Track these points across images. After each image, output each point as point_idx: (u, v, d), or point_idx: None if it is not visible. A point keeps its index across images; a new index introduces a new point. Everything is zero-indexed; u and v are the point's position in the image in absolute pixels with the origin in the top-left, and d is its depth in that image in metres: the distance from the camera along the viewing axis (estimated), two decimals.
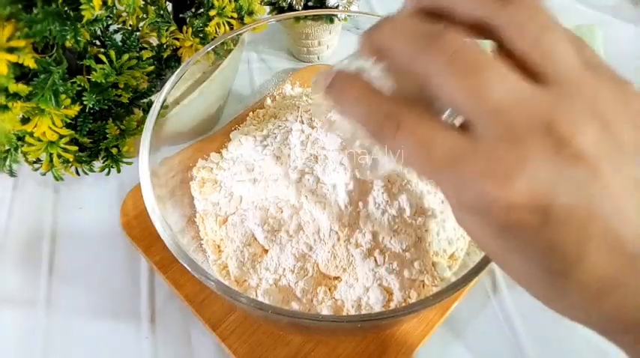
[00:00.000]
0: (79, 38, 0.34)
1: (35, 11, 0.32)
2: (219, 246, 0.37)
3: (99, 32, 0.39)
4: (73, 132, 0.37)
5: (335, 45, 0.59)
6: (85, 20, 0.33)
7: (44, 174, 0.40)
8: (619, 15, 0.67)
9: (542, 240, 0.16)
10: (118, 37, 0.40)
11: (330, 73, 0.20)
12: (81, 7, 0.33)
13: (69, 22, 0.33)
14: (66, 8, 0.33)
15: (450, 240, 0.36)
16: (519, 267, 0.18)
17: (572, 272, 0.16)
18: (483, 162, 0.16)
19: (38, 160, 0.40)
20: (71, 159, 0.38)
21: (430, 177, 0.17)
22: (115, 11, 0.37)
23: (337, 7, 0.52)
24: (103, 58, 0.37)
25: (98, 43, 0.40)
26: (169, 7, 0.44)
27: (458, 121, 0.18)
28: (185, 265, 0.28)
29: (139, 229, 0.43)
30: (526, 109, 0.16)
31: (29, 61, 0.32)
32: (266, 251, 0.36)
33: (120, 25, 0.40)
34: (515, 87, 0.16)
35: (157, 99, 0.35)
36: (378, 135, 0.18)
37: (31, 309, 0.40)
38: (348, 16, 0.53)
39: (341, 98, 0.20)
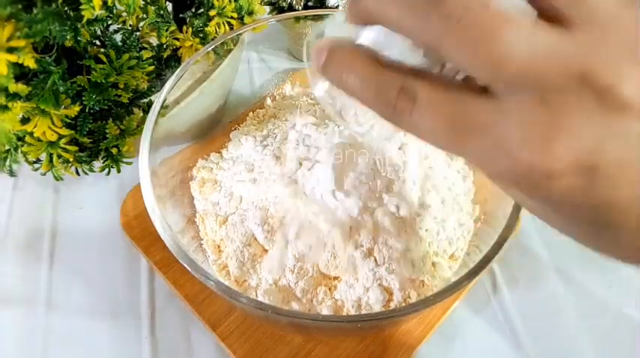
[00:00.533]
0: (79, 38, 0.34)
1: (35, 11, 0.32)
2: (219, 246, 0.37)
3: (99, 32, 0.39)
4: (73, 132, 0.37)
5: None
6: (85, 20, 0.33)
7: (44, 174, 0.40)
8: None
9: (589, 199, 0.15)
10: (118, 37, 0.40)
11: (323, 48, 0.18)
12: (81, 7, 0.33)
13: (69, 22, 0.33)
14: (66, 8, 0.33)
15: (450, 239, 0.36)
16: (562, 222, 0.17)
17: (622, 222, 0.15)
18: (515, 128, 0.14)
19: (38, 160, 0.40)
20: (71, 159, 0.38)
21: (456, 152, 0.16)
22: (115, 11, 0.36)
23: (337, 7, 0.52)
24: (103, 58, 0.37)
25: (98, 43, 0.40)
26: (169, 7, 0.44)
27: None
28: (185, 265, 0.28)
29: (139, 229, 0.43)
30: (555, 62, 0.14)
31: (29, 61, 0.32)
32: (266, 251, 0.36)
33: (120, 25, 0.40)
34: (540, 40, 0.14)
35: (157, 100, 0.35)
36: (391, 114, 0.16)
37: (31, 309, 0.40)
38: None
39: (341, 78, 0.17)
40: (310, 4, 0.52)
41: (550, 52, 0.14)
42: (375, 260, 0.34)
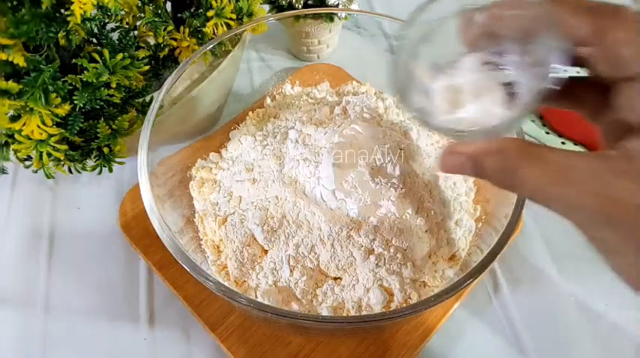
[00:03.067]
0: (70, 37, 0.33)
1: (23, 12, 0.31)
2: (218, 247, 0.37)
3: (95, 30, 0.39)
4: (63, 130, 0.37)
5: (335, 44, 0.58)
6: (70, 25, 0.33)
7: (36, 172, 0.39)
8: None
9: None
10: (115, 35, 0.39)
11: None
12: (66, 13, 0.32)
13: (54, 24, 0.32)
14: (56, 10, 0.33)
15: (451, 240, 0.36)
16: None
17: None
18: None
19: (29, 157, 0.39)
20: (62, 158, 0.38)
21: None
22: (110, 12, 0.36)
23: (337, 5, 0.51)
24: (97, 57, 0.36)
25: (95, 41, 0.40)
26: (168, 6, 0.44)
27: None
28: (184, 265, 0.28)
29: (137, 229, 0.42)
30: None
31: (19, 59, 0.31)
32: (266, 251, 0.35)
33: (117, 24, 0.40)
34: None
35: (156, 99, 0.35)
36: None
37: (29, 309, 0.40)
38: (348, 14, 0.53)
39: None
40: (310, 2, 0.52)
41: None
42: (376, 260, 0.33)
